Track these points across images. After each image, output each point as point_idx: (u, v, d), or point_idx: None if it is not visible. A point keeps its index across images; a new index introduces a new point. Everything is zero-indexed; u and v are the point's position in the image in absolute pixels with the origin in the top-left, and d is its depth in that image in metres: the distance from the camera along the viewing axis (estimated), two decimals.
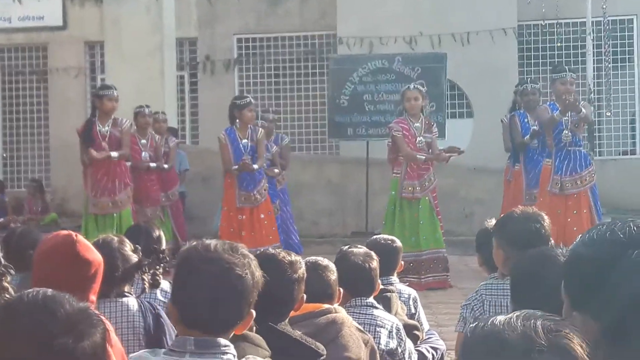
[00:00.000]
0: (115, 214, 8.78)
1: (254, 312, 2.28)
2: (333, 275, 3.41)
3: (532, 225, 3.59)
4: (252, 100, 9.02)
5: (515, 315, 1.40)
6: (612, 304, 1.57)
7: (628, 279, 1.57)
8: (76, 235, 2.84)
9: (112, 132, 8.81)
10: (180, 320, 2.23)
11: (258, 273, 2.27)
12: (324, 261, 3.48)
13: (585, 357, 1.36)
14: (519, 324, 1.38)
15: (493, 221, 4.16)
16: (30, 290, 1.67)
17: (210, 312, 2.18)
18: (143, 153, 9.76)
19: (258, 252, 3.27)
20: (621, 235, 1.63)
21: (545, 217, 3.68)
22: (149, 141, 9.90)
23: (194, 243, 2.34)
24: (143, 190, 9.58)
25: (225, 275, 2.19)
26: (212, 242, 2.27)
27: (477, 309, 3.82)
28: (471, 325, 1.44)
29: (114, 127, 8.84)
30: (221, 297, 2.18)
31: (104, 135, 8.79)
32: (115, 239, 3.61)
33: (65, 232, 2.89)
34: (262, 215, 8.85)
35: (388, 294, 4.13)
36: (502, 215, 3.82)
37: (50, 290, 1.66)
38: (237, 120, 8.92)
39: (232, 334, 2.25)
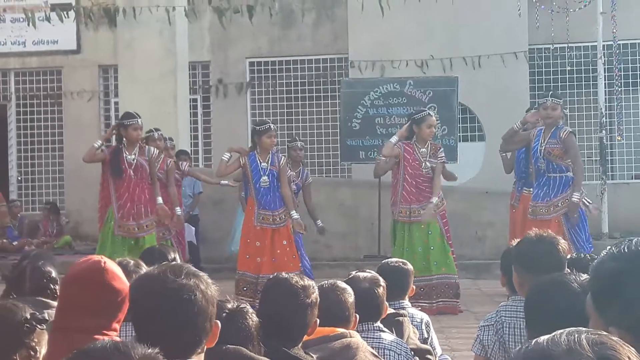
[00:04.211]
0: (137, 240, 8.84)
1: (219, 323, 2.26)
2: (351, 298, 3.43)
3: (544, 249, 3.59)
4: (271, 126, 9.04)
5: (558, 332, 1.39)
6: None
7: None
8: (104, 263, 2.84)
9: (138, 161, 8.90)
10: None
11: (211, 288, 2.25)
12: (342, 284, 3.50)
13: None
14: (563, 339, 1.36)
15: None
16: (98, 340, 1.73)
17: (169, 342, 2.15)
18: None
19: (271, 277, 3.30)
20: None
21: (561, 241, 3.68)
22: (159, 164, 9.95)
23: (139, 276, 2.35)
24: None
25: (173, 304, 2.17)
26: (155, 272, 2.25)
27: (498, 331, 3.82)
28: (515, 350, 1.44)
29: (140, 155, 8.93)
30: (175, 326, 2.17)
31: (130, 163, 8.88)
32: (132, 262, 3.64)
33: (95, 257, 2.88)
34: (285, 242, 8.88)
35: (400, 318, 4.13)
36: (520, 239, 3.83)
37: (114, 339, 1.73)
38: (257, 147, 8.98)
39: (204, 348, 2.24)
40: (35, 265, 3.90)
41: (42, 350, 2.58)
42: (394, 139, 8.98)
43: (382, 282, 3.87)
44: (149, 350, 1.72)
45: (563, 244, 3.68)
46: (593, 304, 1.69)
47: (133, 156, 8.89)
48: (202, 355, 2.22)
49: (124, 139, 8.92)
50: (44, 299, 3.68)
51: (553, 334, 1.39)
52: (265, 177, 8.83)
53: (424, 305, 8.31)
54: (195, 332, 2.20)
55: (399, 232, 8.97)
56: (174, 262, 2.34)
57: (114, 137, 9.16)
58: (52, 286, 3.80)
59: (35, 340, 2.54)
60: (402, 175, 8.95)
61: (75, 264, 2.91)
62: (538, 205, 8.28)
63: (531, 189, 9.03)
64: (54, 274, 3.88)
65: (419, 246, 8.83)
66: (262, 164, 8.89)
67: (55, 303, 3.61)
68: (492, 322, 3.95)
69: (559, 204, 8.24)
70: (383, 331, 3.78)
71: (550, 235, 3.72)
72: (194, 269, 2.29)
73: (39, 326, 2.55)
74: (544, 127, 8.44)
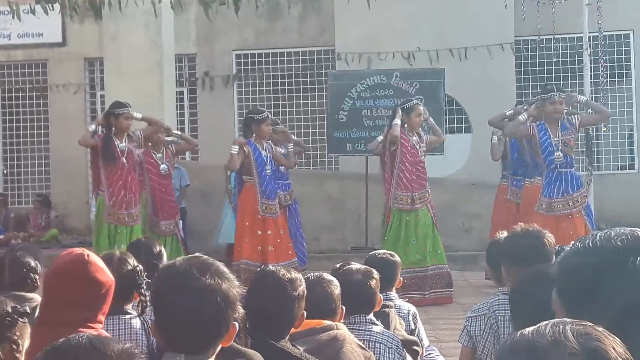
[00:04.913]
0: (127, 228, 8.83)
1: (237, 324, 2.26)
2: (337, 290, 3.43)
3: (530, 242, 3.62)
4: (268, 114, 9.13)
5: (543, 324, 1.39)
6: (615, 311, 1.59)
7: (633, 286, 1.60)
8: (88, 255, 2.84)
9: (129, 148, 8.90)
10: (164, 342, 2.26)
11: (233, 290, 2.23)
12: (328, 276, 3.50)
13: (619, 357, 1.34)
14: (548, 331, 1.36)
15: (505, 234, 4.19)
16: (74, 335, 1.72)
17: (186, 336, 2.19)
18: (162, 165, 9.72)
19: (258, 269, 3.30)
20: (620, 244, 1.66)
21: (547, 234, 3.70)
22: (164, 154, 9.87)
23: (165, 266, 2.35)
24: (158, 202, 9.55)
25: (192, 302, 2.17)
26: (182, 266, 2.23)
27: (492, 326, 3.81)
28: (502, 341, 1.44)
29: (130, 142, 8.93)
30: (191, 324, 2.18)
31: (122, 151, 8.87)
32: (117, 257, 3.62)
33: (78, 250, 2.89)
34: (282, 231, 8.93)
35: (386, 309, 4.14)
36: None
37: (91, 334, 1.72)
38: (254, 134, 8.98)
39: (217, 349, 2.25)
40: (14, 256, 3.90)
41: (25, 343, 2.57)
42: (398, 121, 8.93)
43: (375, 274, 3.87)
44: (127, 346, 1.71)
45: (549, 237, 3.70)
46: (559, 300, 1.70)
47: (124, 144, 8.90)
48: (214, 356, 2.23)
49: (114, 128, 8.91)
50: (19, 293, 3.67)
51: (538, 325, 1.39)
52: (268, 166, 8.91)
53: (415, 296, 8.32)
54: (210, 333, 2.21)
55: (394, 222, 8.91)
56: (203, 258, 2.30)
57: (100, 126, 9.14)
58: (32, 275, 3.80)
59: (18, 333, 2.53)
60: (400, 164, 8.90)
61: (58, 257, 2.92)
62: (554, 201, 8.29)
63: (533, 180, 9.01)
64: (33, 264, 3.88)
65: (413, 238, 8.85)
66: (263, 152, 8.95)
67: (32, 295, 3.61)
68: (481, 314, 3.97)
69: (579, 199, 8.37)
70: (375, 324, 3.78)
71: (536, 229, 3.74)
72: (222, 268, 2.26)
73: (21, 319, 2.54)
74: (541, 121, 8.44)
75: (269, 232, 8.83)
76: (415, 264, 8.72)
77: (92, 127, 9.14)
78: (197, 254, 2.35)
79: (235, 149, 8.91)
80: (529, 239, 3.66)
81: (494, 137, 9.94)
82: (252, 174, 8.93)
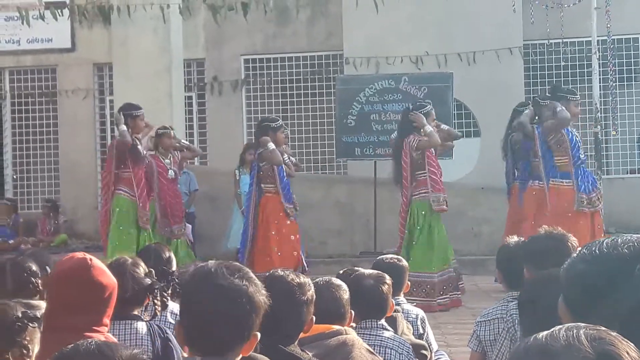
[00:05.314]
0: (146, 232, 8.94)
1: (258, 334, 2.27)
2: (346, 295, 3.42)
3: (553, 244, 3.60)
4: (282, 123, 9.31)
5: (557, 328, 1.39)
6: (622, 318, 1.59)
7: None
8: (90, 259, 2.86)
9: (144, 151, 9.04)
10: (185, 342, 2.27)
11: (259, 296, 2.25)
12: (337, 280, 3.50)
13: None
14: (562, 335, 1.36)
15: (515, 238, 4.18)
16: (82, 341, 1.73)
17: (207, 335, 2.20)
18: (170, 171, 9.76)
19: (267, 274, 3.30)
20: (626, 251, 1.66)
21: (572, 237, 3.70)
22: (172, 159, 9.91)
23: (196, 266, 2.38)
24: (168, 206, 9.58)
25: (218, 301, 2.19)
26: (212, 267, 2.27)
27: (509, 330, 3.80)
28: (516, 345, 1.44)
29: (141, 144, 9.04)
30: (216, 322, 2.20)
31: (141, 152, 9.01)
32: (129, 260, 3.64)
33: (79, 255, 2.90)
34: (293, 237, 9.04)
35: (393, 313, 4.14)
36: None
37: (99, 340, 1.73)
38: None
39: (237, 357, 2.25)
40: (15, 261, 3.93)
41: (35, 348, 2.58)
42: (429, 128, 8.93)
43: (387, 279, 3.86)
44: (135, 351, 1.71)
45: (573, 240, 3.69)
46: (565, 307, 1.69)
47: (141, 146, 9.03)
48: None
49: (130, 130, 8.98)
50: (25, 301, 3.68)
51: (552, 329, 1.39)
52: (285, 172, 9.04)
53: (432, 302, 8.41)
54: (231, 333, 2.22)
55: (424, 225, 8.82)
56: (235, 263, 2.33)
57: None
58: (33, 280, 3.82)
59: (28, 338, 2.55)
60: (430, 166, 8.91)
61: (60, 262, 2.93)
62: (592, 196, 8.47)
63: (538, 182, 9.10)
64: (34, 268, 3.89)
65: (446, 241, 8.91)
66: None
67: (37, 303, 3.62)
68: (492, 318, 3.96)
69: (601, 191, 8.75)
70: (386, 329, 3.77)
71: (560, 232, 3.73)
72: (252, 274, 2.28)
73: (31, 324, 2.56)
74: None
75: (293, 237, 8.99)
76: (438, 267, 8.75)
77: (124, 126, 9.17)
78: (230, 261, 2.38)
79: (272, 145, 8.92)
80: (553, 241, 3.65)
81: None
82: (274, 182, 8.96)
